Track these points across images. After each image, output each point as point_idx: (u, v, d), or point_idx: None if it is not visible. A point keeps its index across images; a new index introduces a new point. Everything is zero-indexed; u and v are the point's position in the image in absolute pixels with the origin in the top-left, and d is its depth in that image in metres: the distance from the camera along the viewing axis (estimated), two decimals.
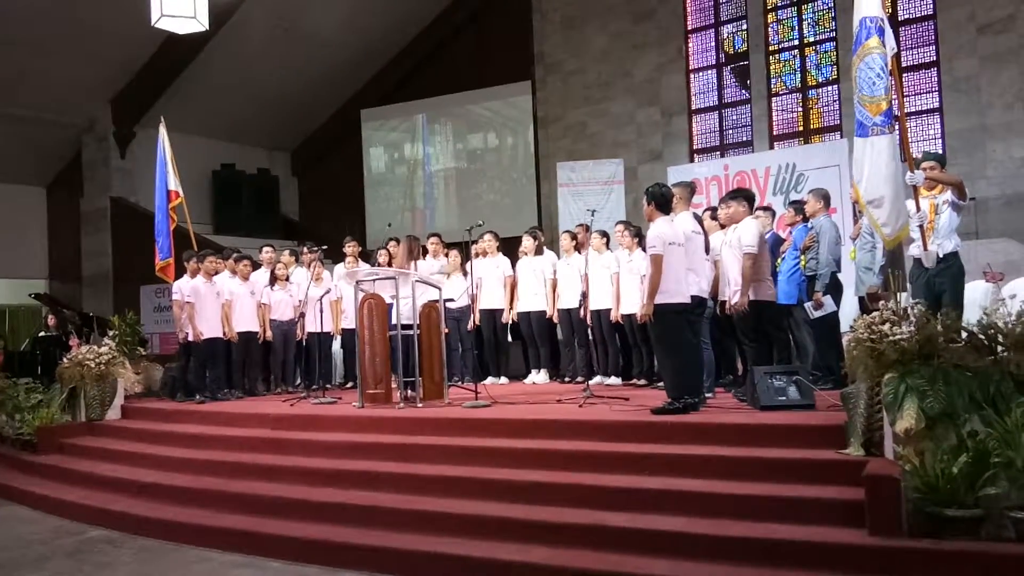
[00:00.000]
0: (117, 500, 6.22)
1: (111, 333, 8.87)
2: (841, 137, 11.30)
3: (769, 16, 12.90)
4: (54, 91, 13.45)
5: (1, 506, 6.97)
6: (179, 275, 8.69)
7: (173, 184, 9.41)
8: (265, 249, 9.27)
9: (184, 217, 9.56)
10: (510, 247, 9.07)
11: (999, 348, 4.16)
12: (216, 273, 8.43)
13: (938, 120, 11.32)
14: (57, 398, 8.37)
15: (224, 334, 8.26)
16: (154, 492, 6.18)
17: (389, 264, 8.31)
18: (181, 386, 8.42)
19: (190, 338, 8.16)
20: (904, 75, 10.99)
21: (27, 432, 7.97)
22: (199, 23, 8.85)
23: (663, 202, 5.84)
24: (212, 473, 6.24)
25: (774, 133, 12.75)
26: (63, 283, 15.55)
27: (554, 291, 8.38)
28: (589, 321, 7.91)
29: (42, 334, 12.16)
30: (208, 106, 14.93)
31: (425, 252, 8.85)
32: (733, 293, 6.14)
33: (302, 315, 8.57)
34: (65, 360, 8.49)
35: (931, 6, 11.41)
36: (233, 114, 15.61)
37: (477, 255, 8.69)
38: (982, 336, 4.24)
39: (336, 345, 9.26)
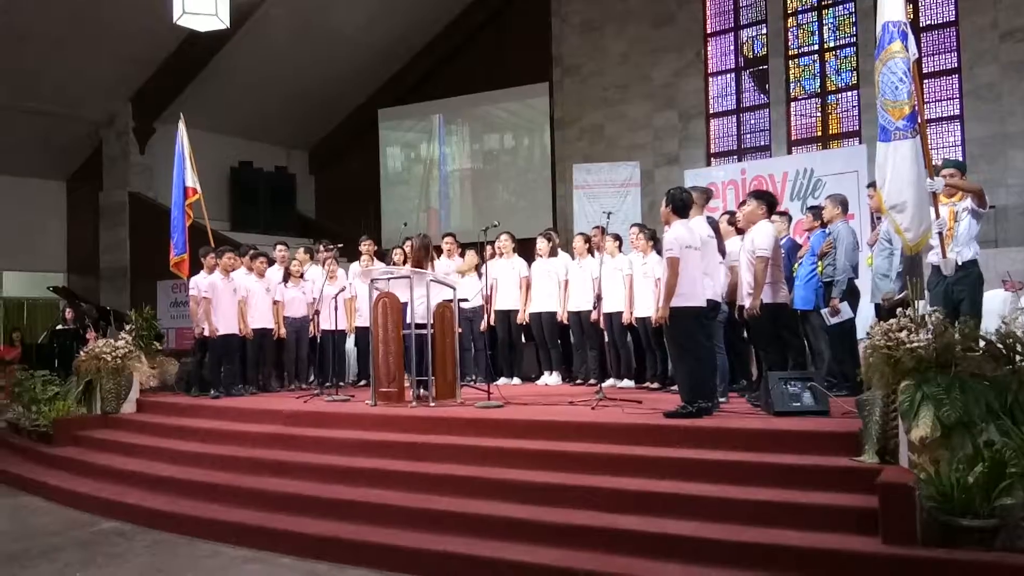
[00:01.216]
0: (130, 493, 6.26)
1: (128, 327, 8.93)
2: (860, 143, 11.25)
3: (789, 20, 12.85)
4: (75, 86, 13.58)
5: (16, 496, 7.03)
6: (194, 271, 8.74)
7: (191, 181, 9.47)
8: (279, 247, 9.30)
9: (201, 213, 9.62)
10: (525, 248, 9.07)
11: (1017, 357, 4.12)
12: (233, 269, 8.48)
13: (959, 127, 11.24)
14: (73, 391, 8.43)
15: (240, 331, 8.30)
16: (167, 486, 6.21)
17: (404, 263, 8.33)
18: (196, 381, 8.48)
19: (206, 333, 8.21)
20: (925, 81, 10.93)
21: (43, 424, 8.03)
22: (220, 21, 8.91)
23: (681, 206, 5.82)
24: (225, 468, 6.26)
25: (792, 138, 12.70)
26: (81, 277, 15.69)
27: (565, 293, 8.36)
28: (602, 324, 7.90)
29: (59, 327, 12.26)
30: (227, 104, 15.03)
31: (440, 252, 8.86)
32: (747, 297, 6.13)
33: (316, 313, 8.60)
34: (82, 353, 8.56)
35: (953, 13, 11.33)
36: (252, 112, 15.71)
37: (492, 255, 8.69)
38: (1000, 345, 4.20)
39: (350, 343, 9.29)
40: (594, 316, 7.91)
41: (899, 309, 4.63)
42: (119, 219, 14.80)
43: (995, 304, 6.56)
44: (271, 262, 8.98)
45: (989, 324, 4.55)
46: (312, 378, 9.05)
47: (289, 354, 8.87)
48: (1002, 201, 10.39)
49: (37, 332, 14.52)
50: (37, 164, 15.06)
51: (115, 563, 5.01)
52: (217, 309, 8.19)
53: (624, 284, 7.85)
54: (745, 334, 6.84)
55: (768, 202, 6.37)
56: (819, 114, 12.57)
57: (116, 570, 4.89)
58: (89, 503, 6.33)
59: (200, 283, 8.28)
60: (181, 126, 9.62)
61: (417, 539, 4.69)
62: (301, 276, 8.93)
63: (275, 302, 8.67)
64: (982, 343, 4.25)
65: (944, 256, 5.36)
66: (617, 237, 8.19)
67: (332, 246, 9.08)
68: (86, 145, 15.26)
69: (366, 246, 9.15)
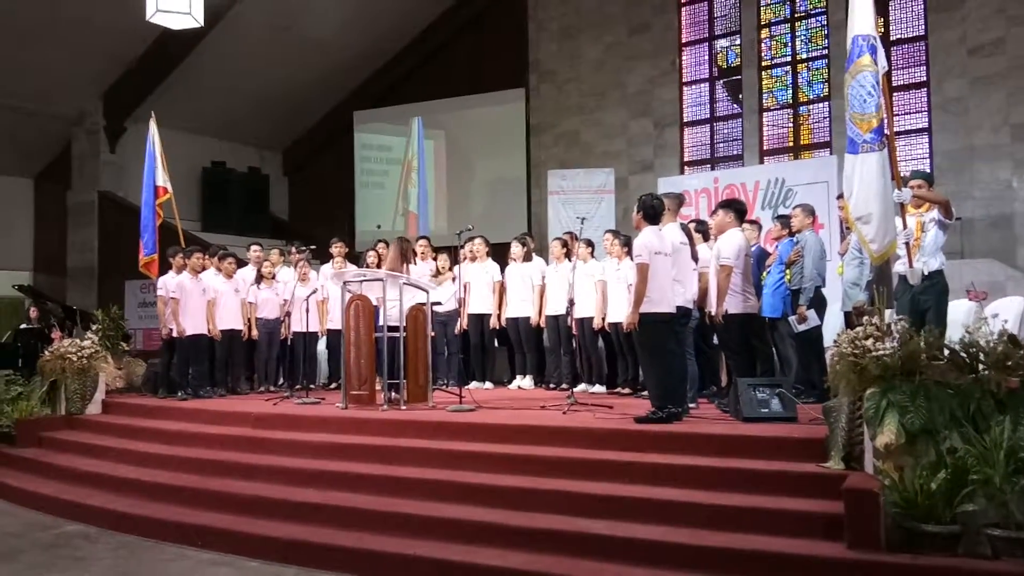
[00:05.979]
0: (95, 495, 6.16)
1: (94, 327, 8.80)
2: (831, 154, 11.39)
3: (763, 32, 12.98)
4: (45, 83, 13.37)
5: None
6: (164, 271, 8.64)
7: (161, 180, 9.38)
8: (253, 247, 9.24)
9: (172, 213, 9.52)
10: (499, 253, 9.08)
11: (980, 366, 4.19)
12: (203, 270, 8.39)
13: (927, 140, 11.41)
14: (37, 391, 8.29)
15: (208, 331, 8.22)
16: (133, 488, 6.13)
17: (378, 266, 8.29)
18: (163, 382, 8.37)
19: (174, 334, 8.11)
20: (895, 94, 11.09)
21: (6, 424, 7.88)
22: (194, 19, 8.82)
23: (652, 213, 5.87)
24: (192, 471, 6.19)
25: (764, 148, 12.82)
26: (48, 276, 15.43)
27: (541, 298, 8.39)
28: (575, 329, 7.92)
29: (24, 326, 12.04)
30: (200, 103, 14.88)
31: (414, 255, 8.85)
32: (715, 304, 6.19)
33: (288, 314, 8.54)
34: (47, 353, 8.42)
35: (923, 27, 11.52)
36: (225, 112, 15.57)
37: (466, 259, 8.69)
38: (964, 354, 4.26)
39: (321, 345, 9.23)
40: (568, 320, 7.93)
41: (864, 318, 4.70)
42: (88, 218, 14.59)
43: (960, 314, 6.66)
44: (240, 263, 8.91)
45: (954, 333, 4.62)
46: (282, 380, 8.97)
47: (260, 355, 8.80)
48: (968, 213, 10.57)
49: (1, 331, 14.24)
50: (4, 161, 14.78)
51: (78, 566, 4.93)
52: (185, 310, 8.10)
53: (595, 290, 7.87)
54: (715, 340, 6.91)
55: (737, 210, 6.44)
56: (791, 125, 12.71)
57: (79, 573, 4.81)
58: (52, 505, 6.22)
59: (168, 283, 8.19)
60: (152, 125, 9.53)
61: (386, 543, 4.67)
62: (273, 277, 8.87)
63: (246, 303, 8.60)
64: (946, 352, 4.31)
65: (911, 266, 5.45)
66: (589, 243, 8.23)
67: (305, 248, 9.03)
68: (55, 143, 15.03)
69: (337, 248, 9.11)
